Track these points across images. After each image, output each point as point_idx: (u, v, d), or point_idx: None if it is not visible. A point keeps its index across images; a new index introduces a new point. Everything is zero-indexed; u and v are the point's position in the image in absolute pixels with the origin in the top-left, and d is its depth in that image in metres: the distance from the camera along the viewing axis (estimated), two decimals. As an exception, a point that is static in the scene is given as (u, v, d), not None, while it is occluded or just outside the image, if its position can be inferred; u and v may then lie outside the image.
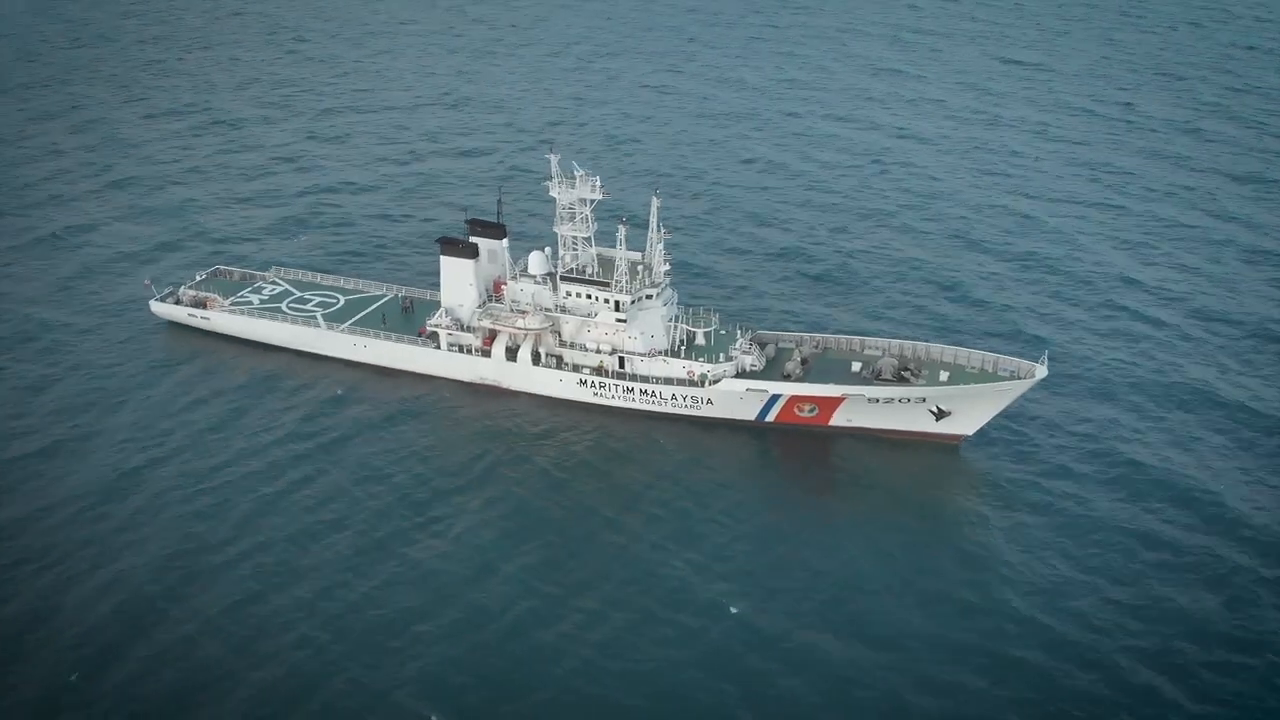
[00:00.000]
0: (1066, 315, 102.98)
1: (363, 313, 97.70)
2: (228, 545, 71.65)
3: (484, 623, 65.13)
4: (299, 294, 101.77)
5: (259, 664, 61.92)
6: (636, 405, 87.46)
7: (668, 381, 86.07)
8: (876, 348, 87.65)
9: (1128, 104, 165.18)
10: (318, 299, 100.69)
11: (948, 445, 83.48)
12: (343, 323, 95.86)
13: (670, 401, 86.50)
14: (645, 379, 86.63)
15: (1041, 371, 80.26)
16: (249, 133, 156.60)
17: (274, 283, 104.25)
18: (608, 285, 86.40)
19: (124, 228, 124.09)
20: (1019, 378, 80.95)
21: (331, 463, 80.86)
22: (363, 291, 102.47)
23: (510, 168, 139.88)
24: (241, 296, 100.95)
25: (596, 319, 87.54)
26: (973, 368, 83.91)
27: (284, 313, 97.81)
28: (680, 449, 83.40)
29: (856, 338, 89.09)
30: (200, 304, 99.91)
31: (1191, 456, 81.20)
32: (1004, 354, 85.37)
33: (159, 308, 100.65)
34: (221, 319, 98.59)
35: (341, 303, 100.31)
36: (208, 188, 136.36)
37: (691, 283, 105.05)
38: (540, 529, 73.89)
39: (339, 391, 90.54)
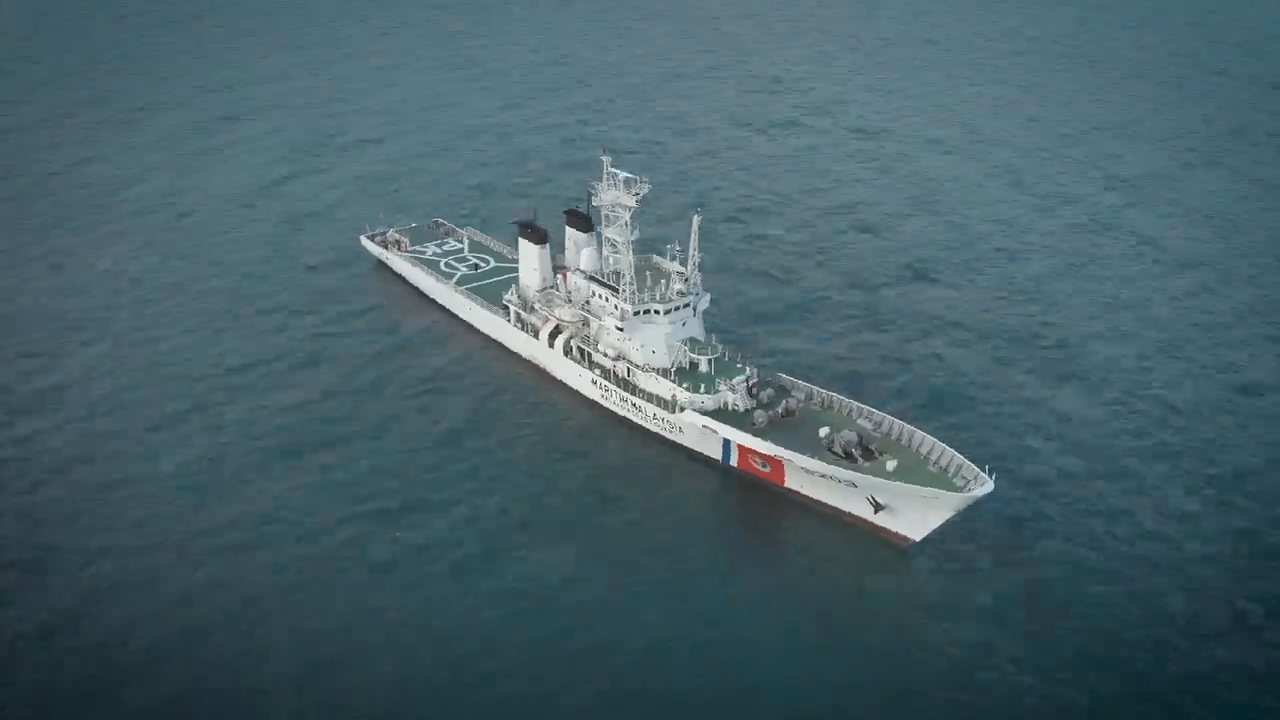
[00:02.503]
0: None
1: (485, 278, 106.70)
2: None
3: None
4: (466, 253, 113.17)
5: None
6: (630, 416, 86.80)
7: (650, 399, 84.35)
8: (868, 418, 77.72)
9: None
10: (474, 260, 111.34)
11: (895, 546, 72.51)
12: (469, 284, 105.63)
13: (652, 421, 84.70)
14: (638, 392, 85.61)
15: (985, 487, 66.76)
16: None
17: (460, 240, 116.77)
18: (616, 292, 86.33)
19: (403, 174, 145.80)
20: (968, 486, 67.96)
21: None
22: (513, 260, 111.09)
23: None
24: (422, 246, 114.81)
25: (605, 322, 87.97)
26: (935, 464, 71.52)
27: (439, 269, 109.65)
28: (636, 470, 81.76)
29: (859, 404, 79.39)
30: (389, 246, 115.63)
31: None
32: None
33: (366, 243, 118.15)
34: (395, 261, 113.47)
35: (490, 265, 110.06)
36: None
37: (728, 310, 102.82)
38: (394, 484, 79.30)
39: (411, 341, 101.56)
